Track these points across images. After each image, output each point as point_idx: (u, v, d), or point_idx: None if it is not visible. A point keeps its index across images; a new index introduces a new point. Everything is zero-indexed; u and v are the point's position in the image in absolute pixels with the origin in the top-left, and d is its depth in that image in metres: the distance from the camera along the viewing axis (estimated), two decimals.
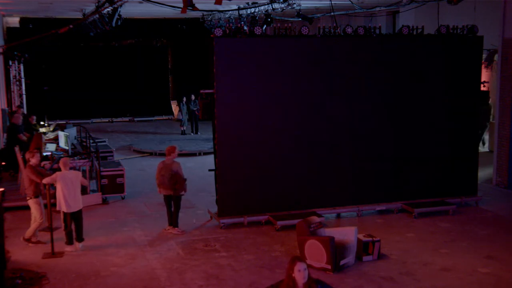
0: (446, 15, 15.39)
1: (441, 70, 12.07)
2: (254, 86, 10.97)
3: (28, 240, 9.98)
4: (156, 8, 14.30)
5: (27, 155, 10.19)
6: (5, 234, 8.63)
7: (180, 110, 23.76)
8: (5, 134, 16.32)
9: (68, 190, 9.58)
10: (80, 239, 9.86)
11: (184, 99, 23.46)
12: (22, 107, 20.32)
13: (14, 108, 18.82)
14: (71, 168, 12.56)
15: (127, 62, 28.59)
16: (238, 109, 10.91)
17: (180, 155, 18.45)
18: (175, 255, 9.52)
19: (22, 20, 22.99)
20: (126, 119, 28.46)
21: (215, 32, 10.66)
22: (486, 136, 18.36)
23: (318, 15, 19.88)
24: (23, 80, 21.86)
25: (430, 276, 8.59)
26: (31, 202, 10.00)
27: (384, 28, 19.01)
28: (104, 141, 18.11)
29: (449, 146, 12.28)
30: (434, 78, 12.04)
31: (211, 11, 18.80)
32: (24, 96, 21.90)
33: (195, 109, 22.93)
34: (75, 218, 9.78)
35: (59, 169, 12.05)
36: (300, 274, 5.08)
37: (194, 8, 11.42)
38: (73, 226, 9.80)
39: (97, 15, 14.71)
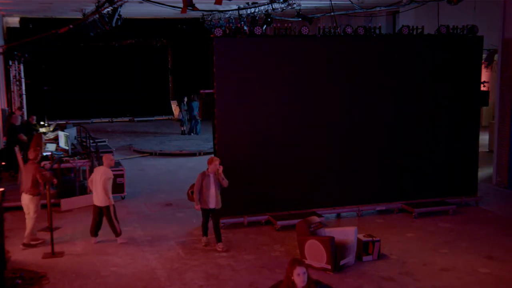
0: (446, 15, 15.38)
1: (441, 70, 12.07)
2: (254, 86, 10.97)
3: (28, 245, 9.94)
4: (156, 8, 14.30)
5: (33, 154, 10.21)
6: (5, 234, 8.65)
7: (180, 110, 23.75)
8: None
9: (92, 184, 10.14)
10: (94, 234, 10.17)
11: (185, 99, 23.46)
12: (22, 109, 20.30)
13: (14, 109, 18.80)
14: (70, 169, 12.68)
15: (127, 62, 28.56)
16: (238, 109, 10.91)
17: (180, 155, 18.56)
18: (175, 255, 9.52)
19: (22, 20, 22.97)
20: (126, 119, 28.45)
21: (215, 32, 10.66)
22: None
23: (318, 15, 19.87)
24: (23, 80, 21.81)
25: (430, 276, 8.59)
26: (34, 199, 10.02)
27: (384, 28, 18.98)
28: (104, 141, 18.09)
29: (449, 146, 12.28)
30: (434, 78, 12.04)
31: (211, 11, 18.79)
32: (24, 96, 21.87)
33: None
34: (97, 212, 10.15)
35: (59, 169, 12.20)
36: (299, 278, 5.07)
37: (194, 8, 11.42)
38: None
39: (97, 15, 14.70)
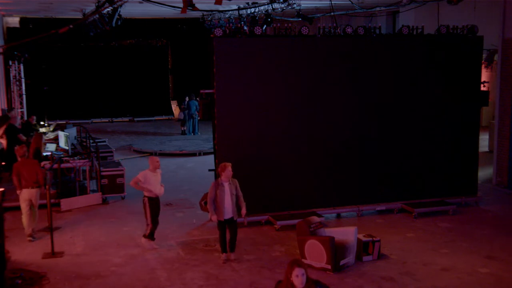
0: (446, 15, 15.38)
1: (441, 70, 12.06)
2: (254, 86, 10.97)
3: (31, 236, 10.14)
4: (156, 8, 14.32)
5: (20, 151, 10.44)
6: (5, 234, 8.65)
7: (181, 110, 23.81)
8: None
9: None
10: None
11: (187, 98, 23.49)
12: (15, 109, 20.20)
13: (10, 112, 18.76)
14: (70, 169, 12.70)
15: (127, 62, 28.56)
16: (238, 109, 10.91)
17: (180, 155, 18.55)
18: (175, 255, 9.52)
19: (22, 20, 22.99)
20: (126, 119, 28.46)
21: (215, 32, 10.66)
22: None
23: (318, 15, 19.89)
24: (23, 80, 21.83)
25: (430, 276, 8.58)
26: (39, 191, 10.28)
27: (384, 28, 19.01)
28: (104, 141, 18.09)
29: (449, 146, 12.28)
30: (434, 78, 12.04)
31: (211, 11, 18.81)
32: (24, 96, 21.88)
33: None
34: None
35: (59, 169, 12.21)
36: (298, 279, 5.06)
37: (194, 8, 11.44)
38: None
39: (97, 15, 14.70)
